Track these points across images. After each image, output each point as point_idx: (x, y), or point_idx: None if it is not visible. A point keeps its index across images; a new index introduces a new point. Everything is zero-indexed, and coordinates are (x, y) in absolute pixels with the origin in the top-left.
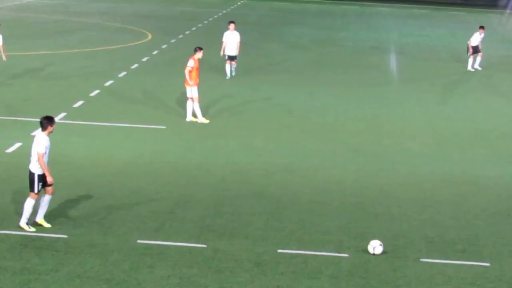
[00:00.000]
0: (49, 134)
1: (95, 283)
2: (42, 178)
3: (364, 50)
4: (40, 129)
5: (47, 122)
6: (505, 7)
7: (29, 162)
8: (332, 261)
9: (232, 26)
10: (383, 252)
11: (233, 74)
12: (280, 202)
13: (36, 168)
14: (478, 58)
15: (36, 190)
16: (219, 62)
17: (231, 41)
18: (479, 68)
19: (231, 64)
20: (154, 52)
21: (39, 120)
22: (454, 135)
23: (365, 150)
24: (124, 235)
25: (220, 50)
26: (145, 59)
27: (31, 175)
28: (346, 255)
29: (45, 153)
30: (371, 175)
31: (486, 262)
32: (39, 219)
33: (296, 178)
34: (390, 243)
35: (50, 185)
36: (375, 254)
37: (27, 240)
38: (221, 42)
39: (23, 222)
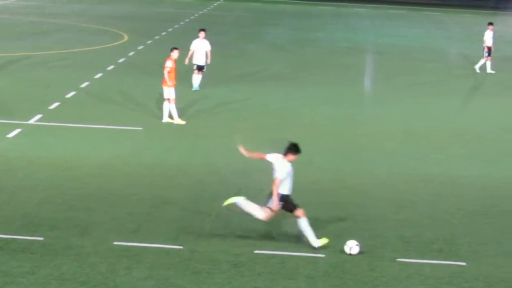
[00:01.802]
0: (290, 161)
1: (71, 285)
2: (286, 198)
3: (341, 50)
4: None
5: (289, 149)
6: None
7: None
8: (309, 261)
9: (202, 34)
10: (360, 252)
11: (199, 88)
12: (257, 203)
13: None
14: (483, 61)
15: (294, 208)
16: None
17: (200, 49)
18: (478, 71)
19: (198, 75)
20: (130, 54)
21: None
22: (431, 135)
23: (342, 150)
24: (100, 237)
25: (185, 58)
26: (121, 60)
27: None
28: (323, 255)
29: (286, 178)
30: (348, 175)
31: (463, 262)
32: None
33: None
34: (367, 243)
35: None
36: (351, 254)
37: (2, 243)
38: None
39: (314, 242)
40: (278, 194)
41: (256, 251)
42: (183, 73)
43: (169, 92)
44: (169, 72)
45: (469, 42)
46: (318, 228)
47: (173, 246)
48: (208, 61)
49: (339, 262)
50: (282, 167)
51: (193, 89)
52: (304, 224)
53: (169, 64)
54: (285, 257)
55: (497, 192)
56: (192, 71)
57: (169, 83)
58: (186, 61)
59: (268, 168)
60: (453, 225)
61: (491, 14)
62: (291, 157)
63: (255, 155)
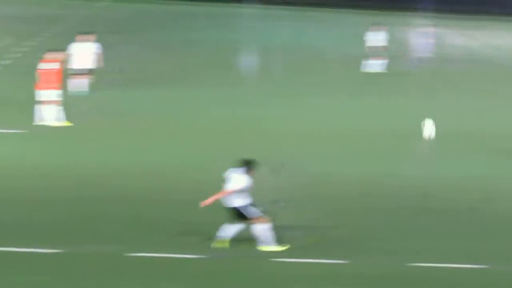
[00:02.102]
0: (252, 176)
1: None
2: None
3: (226, 51)
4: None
5: (250, 167)
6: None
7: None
8: (186, 263)
9: (83, 37)
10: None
11: (84, 92)
12: (139, 205)
13: (237, 202)
14: (370, 61)
15: (256, 215)
16: None
17: (83, 53)
18: (367, 70)
19: (83, 79)
20: (15, 55)
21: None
22: (311, 134)
23: (229, 152)
24: None
25: (68, 61)
26: (5, 62)
27: (237, 210)
28: (203, 256)
29: (242, 191)
30: None
31: (345, 260)
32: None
33: (160, 181)
34: (246, 243)
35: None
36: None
37: None
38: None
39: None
40: (237, 208)
41: (134, 254)
42: (66, 75)
43: (53, 94)
44: (54, 73)
45: (353, 42)
46: (195, 228)
47: (49, 250)
48: (96, 64)
49: (218, 263)
50: (238, 181)
51: (79, 93)
52: (261, 230)
53: (54, 65)
54: (163, 259)
55: (376, 190)
56: (72, 75)
57: (54, 85)
58: (68, 64)
59: (153, 169)
60: (334, 223)
61: (378, 15)
62: (253, 172)
63: (220, 195)
